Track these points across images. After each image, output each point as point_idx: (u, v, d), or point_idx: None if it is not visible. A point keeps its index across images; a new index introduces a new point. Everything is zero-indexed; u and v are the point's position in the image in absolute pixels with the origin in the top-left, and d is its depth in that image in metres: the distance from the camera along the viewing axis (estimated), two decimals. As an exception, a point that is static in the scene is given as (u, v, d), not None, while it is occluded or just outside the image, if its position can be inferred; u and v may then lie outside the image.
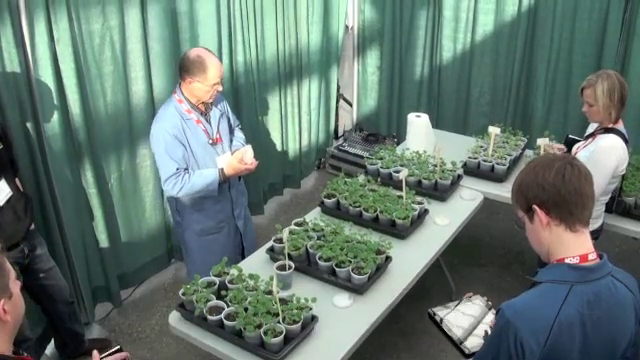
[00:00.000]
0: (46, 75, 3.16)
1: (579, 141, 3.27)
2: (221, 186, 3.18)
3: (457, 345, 2.08)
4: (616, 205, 3.33)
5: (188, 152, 3.11)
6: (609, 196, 3.20)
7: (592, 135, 3.13)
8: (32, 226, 3.01)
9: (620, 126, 3.05)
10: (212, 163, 3.19)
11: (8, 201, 2.82)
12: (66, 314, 3.30)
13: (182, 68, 3.06)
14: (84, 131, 3.40)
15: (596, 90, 2.97)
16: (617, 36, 4.28)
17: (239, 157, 3.15)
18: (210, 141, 3.17)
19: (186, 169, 3.11)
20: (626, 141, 3.01)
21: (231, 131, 3.41)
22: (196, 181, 3.10)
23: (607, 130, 3.02)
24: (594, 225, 3.15)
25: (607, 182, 2.97)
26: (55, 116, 3.25)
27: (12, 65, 3.01)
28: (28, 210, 2.94)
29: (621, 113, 3.02)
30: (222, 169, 3.15)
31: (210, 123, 3.20)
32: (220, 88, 3.10)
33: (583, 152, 3.07)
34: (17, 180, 2.97)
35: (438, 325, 2.18)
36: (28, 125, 3.14)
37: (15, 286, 1.57)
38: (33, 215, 3.01)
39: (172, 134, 3.05)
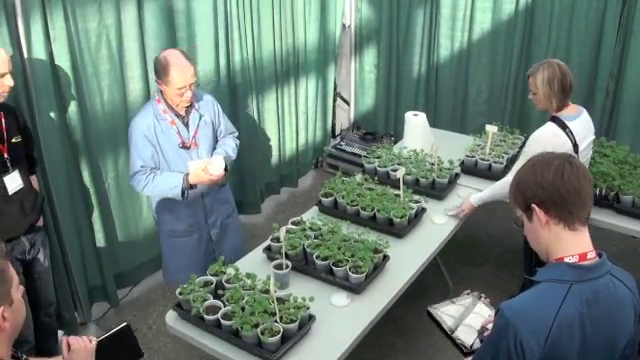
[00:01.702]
0: (42, 74, 3.14)
1: None
2: (185, 192, 3.11)
3: (456, 343, 2.07)
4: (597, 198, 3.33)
5: (158, 153, 3.09)
6: None
7: None
8: (40, 222, 3.04)
9: (565, 114, 3.10)
10: (183, 166, 3.12)
11: (17, 193, 2.83)
12: (43, 331, 3.21)
13: (154, 69, 3.05)
14: (80, 130, 3.39)
15: (536, 79, 3.07)
16: (614, 35, 4.28)
17: (203, 166, 3.06)
18: (181, 144, 3.11)
19: (154, 168, 3.10)
20: (564, 127, 3.04)
21: (217, 139, 3.32)
22: (160, 182, 3.08)
23: (550, 119, 3.12)
24: None
25: None
26: (51, 115, 3.24)
27: (8, 64, 3.00)
28: (36, 207, 2.96)
29: (565, 101, 3.09)
30: (188, 174, 3.10)
31: (188, 126, 3.14)
32: (188, 94, 3.01)
33: None
34: (33, 177, 2.99)
35: (437, 322, 2.18)
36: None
37: (17, 293, 1.56)
38: (41, 213, 3.04)
39: (143, 133, 3.04)
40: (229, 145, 3.36)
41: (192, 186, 3.11)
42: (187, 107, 3.12)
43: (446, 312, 2.19)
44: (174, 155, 3.12)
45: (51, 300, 3.24)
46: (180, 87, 2.97)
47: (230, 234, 3.48)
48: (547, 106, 3.12)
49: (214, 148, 3.30)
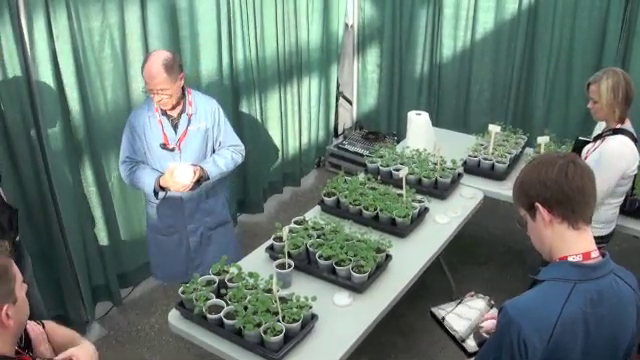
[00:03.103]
0: (46, 73, 3.14)
1: (589, 142, 3.24)
2: (157, 193, 3.12)
3: (459, 343, 2.07)
4: (628, 205, 3.28)
5: (144, 148, 3.12)
6: (622, 198, 3.16)
7: (601, 137, 3.09)
8: (17, 238, 2.85)
9: (627, 126, 3.02)
10: (163, 166, 3.11)
11: None
12: None
13: None
14: (84, 129, 3.39)
15: (600, 86, 2.96)
16: (617, 35, 4.28)
17: (171, 171, 3.02)
18: (162, 144, 3.09)
19: (140, 161, 3.14)
20: (635, 140, 2.98)
21: (212, 148, 3.24)
22: (138, 175, 3.13)
23: (615, 131, 3.00)
24: (608, 229, 3.13)
25: (614, 184, 2.94)
26: (55, 114, 3.24)
27: (12, 63, 3.00)
28: (13, 222, 2.78)
29: (626, 112, 3.00)
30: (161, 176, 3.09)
31: (175, 128, 3.10)
32: (157, 98, 2.96)
33: (593, 155, 3.03)
34: (0, 190, 2.81)
35: (440, 323, 2.18)
36: (28, 123, 3.13)
37: (21, 291, 1.56)
38: (18, 228, 2.84)
39: (134, 126, 3.10)
40: (223, 157, 3.22)
41: (163, 188, 3.12)
42: (179, 110, 3.09)
43: (450, 313, 2.18)
44: (157, 154, 3.12)
45: (41, 313, 3.16)
46: (148, 88, 2.97)
47: (214, 247, 3.37)
48: (608, 115, 2.99)
49: (205, 156, 3.21)
